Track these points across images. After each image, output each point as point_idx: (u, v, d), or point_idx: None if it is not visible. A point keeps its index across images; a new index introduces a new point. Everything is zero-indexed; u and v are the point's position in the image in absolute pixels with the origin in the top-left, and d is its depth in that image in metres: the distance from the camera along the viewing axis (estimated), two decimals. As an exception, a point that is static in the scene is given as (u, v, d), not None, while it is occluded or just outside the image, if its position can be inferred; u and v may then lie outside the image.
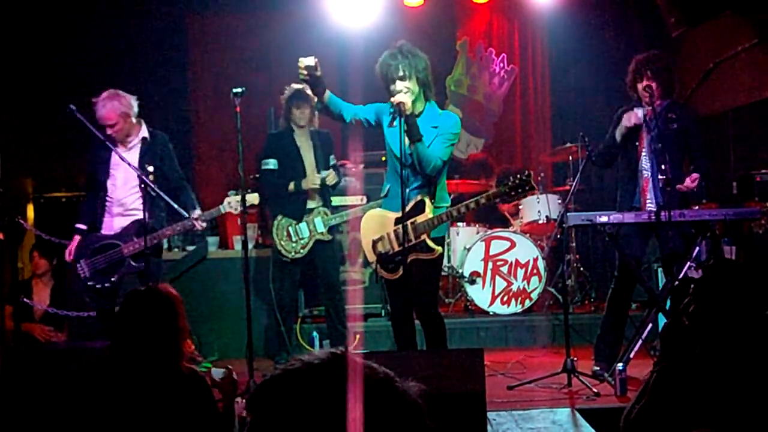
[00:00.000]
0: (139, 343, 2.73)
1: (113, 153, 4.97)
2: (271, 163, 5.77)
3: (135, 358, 2.71)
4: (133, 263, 5.01)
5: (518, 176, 4.26)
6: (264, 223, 6.93)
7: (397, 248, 4.34)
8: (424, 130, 4.27)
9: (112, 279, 5.03)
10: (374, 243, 4.45)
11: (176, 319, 2.83)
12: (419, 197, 4.29)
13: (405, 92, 4.24)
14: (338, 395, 1.08)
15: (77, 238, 5.15)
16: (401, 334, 4.52)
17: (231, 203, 5.06)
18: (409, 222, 4.26)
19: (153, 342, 2.73)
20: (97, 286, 5.03)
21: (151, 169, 4.99)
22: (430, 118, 4.33)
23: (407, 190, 4.27)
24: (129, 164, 4.87)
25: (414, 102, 4.30)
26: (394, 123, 4.37)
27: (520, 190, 4.24)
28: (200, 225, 5.08)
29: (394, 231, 4.36)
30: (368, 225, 4.56)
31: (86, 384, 2.73)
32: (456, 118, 4.48)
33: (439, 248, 4.34)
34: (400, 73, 4.25)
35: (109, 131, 5.00)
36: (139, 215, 4.91)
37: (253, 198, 5.11)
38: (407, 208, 4.27)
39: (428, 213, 4.25)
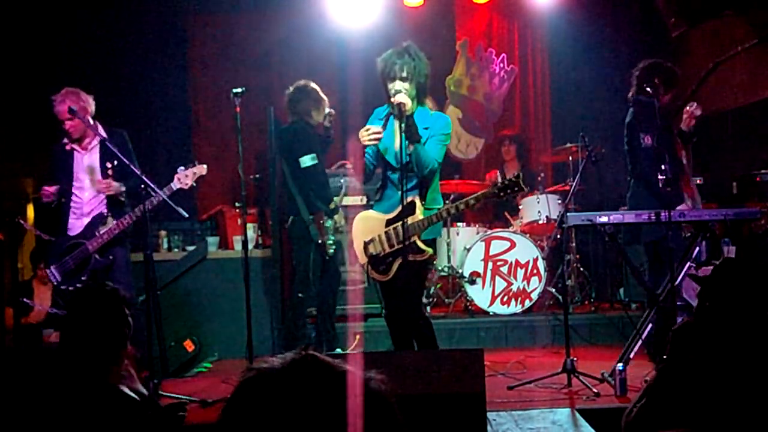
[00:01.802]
0: (74, 344, 2.64)
1: (74, 157, 5.09)
2: (310, 158, 5.67)
3: (71, 359, 2.63)
4: (99, 258, 5.03)
5: (508, 177, 4.26)
6: (264, 224, 6.93)
7: (388, 250, 4.34)
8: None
9: (83, 278, 5.03)
10: (366, 245, 4.44)
11: (115, 324, 2.71)
12: (410, 198, 4.28)
13: (403, 93, 4.24)
14: (310, 397, 1.08)
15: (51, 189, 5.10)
16: (397, 334, 4.52)
17: (180, 179, 4.96)
18: (399, 224, 4.24)
19: (88, 345, 2.63)
20: (70, 288, 5.03)
21: (109, 165, 5.04)
22: (422, 120, 4.31)
23: (399, 193, 4.24)
24: (135, 169, 4.87)
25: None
26: (387, 125, 4.39)
27: (509, 191, 4.21)
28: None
29: (385, 232, 4.35)
30: (359, 227, 4.53)
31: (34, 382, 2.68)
32: (447, 119, 4.48)
33: (430, 249, 4.33)
34: (403, 74, 4.23)
35: (66, 125, 5.05)
36: (102, 210, 5.06)
37: (200, 170, 5.02)
38: (398, 210, 4.26)
39: (418, 214, 4.25)
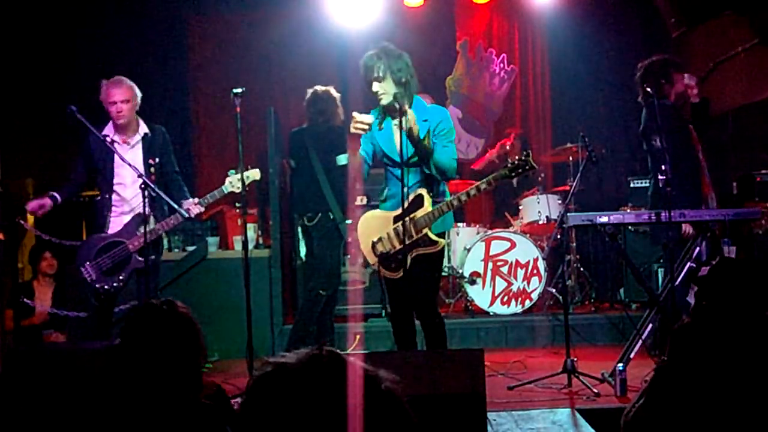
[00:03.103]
0: (152, 369, 2.30)
1: (115, 151, 4.95)
2: (345, 157, 5.66)
3: (146, 386, 2.28)
4: (140, 258, 4.95)
5: (517, 157, 4.30)
6: (264, 224, 6.93)
7: (398, 246, 4.32)
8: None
9: (121, 278, 4.95)
10: (374, 244, 4.42)
11: (194, 343, 2.37)
12: (417, 192, 4.30)
13: (381, 93, 4.27)
14: (324, 395, 1.08)
15: (48, 201, 4.99)
16: (402, 333, 4.50)
17: (232, 182, 5.00)
18: (408, 218, 4.23)
19: (168, 367, 2.30)
20: (106, 287, 4.94)
21: (152, 162, 5.00)
22: (419, 113, 4.32)
23: (404, 189, 4.24)
24: (130, 165, 4.84)
25: (399, 100, 4.28)
26: (383, 125, 4.41)
27: (520, 170, 4.26)
28: (197, 210, 4.99)
29: (394, 229, 4.34)
30: (365, 228, 4.52)
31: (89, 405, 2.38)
32: (445, 113, 4.48)
33: (443, 241, 4.34)
34: (375, 75, 4.26)
35: (112, 109, 4.96)
36: (140, 210, 4.90)
37: (254, 174, 5.07)
38: (406, 204, 4.26)
39: (427, 206, 4.26)
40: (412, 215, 4.25)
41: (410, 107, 4.33)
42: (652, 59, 5.36)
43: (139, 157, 5.04)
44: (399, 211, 4.31)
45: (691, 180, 5.19)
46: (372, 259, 4.45)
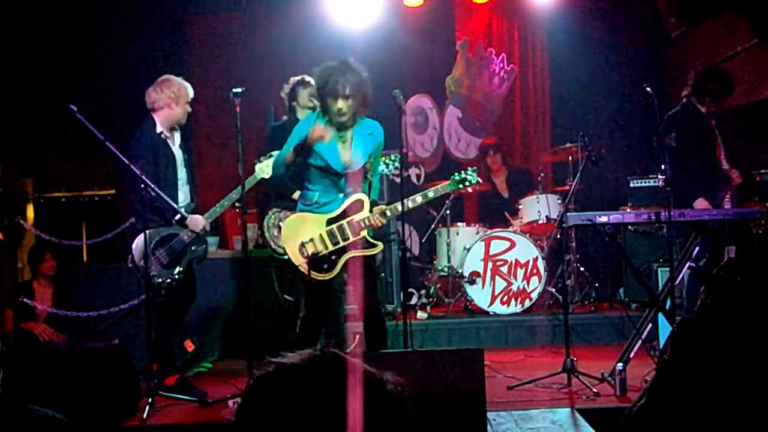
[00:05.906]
0: None
1: (170, 147, 4.93)
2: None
3: None
4: (195, 248, 4.92)
5: (463, 171, 4.64)
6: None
7: (331, 248, 4.41)
8: (361, 139, 4.45)
9: (179, 269, 4.83)
10: (302, 245, 4.43)
11: None
12: (356, 197, 4.44)
13: (344, 111, 4.33)
14: (326, 396, 1.08)
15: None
16: (317, 336, 4.64)
17: (262, 168, 5.18)
18: (345, 221, 4.39)
19: None
20: (167, 280, 4.79)
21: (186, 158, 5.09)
22: (365, 126, 4.50)
23: (341, 195, 4.43)
24: (128, 165, 4.75)
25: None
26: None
27: (467, 183, 4.62)
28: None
29: (327, 231, 4.42)
30: (293, 229, 4.50)
31: None
32: (381, 130, 4.56)
33: (380, 244, 4.47)
34: (346, 92, 4.31)
35: (186, 108, 5.01)
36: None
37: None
38: (342, 209, 4.42)
39: (366, 211, 4.39)
40: (349, 219, 4.39)
41: (354, 125, 4.45)
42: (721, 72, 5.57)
43: (182, 156, 5.03)
44: (334, 213, 4.43)
45: (703, 183, 5.26)
46: (298, 260, 4.44)
